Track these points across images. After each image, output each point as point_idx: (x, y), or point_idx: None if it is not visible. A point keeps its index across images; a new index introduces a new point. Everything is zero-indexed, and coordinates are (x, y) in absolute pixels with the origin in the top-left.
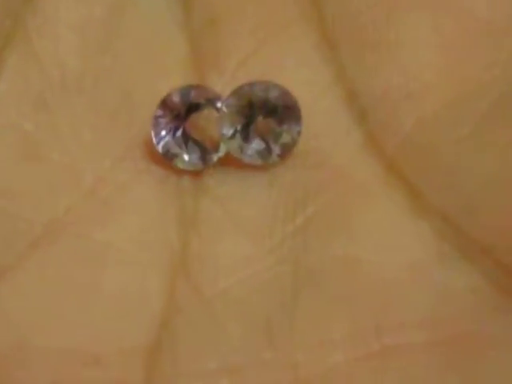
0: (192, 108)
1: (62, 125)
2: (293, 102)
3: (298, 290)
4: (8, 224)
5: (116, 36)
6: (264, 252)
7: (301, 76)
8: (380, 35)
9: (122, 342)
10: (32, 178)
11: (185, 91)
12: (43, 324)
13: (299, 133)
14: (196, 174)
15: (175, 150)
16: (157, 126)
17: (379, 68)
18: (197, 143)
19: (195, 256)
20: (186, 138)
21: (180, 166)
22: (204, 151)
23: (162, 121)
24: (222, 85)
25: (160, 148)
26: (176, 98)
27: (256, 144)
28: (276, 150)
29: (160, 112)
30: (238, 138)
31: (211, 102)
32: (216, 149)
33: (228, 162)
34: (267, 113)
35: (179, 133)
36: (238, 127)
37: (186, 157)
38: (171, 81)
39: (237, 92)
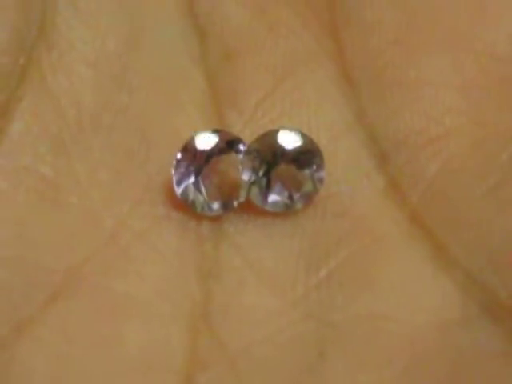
0: (213, 152)
1: (79, 167)
2: (316, 150)
3: (323, 351)
4: (26, 273)
5: (131, 71)
6: (287, 305)
7: (321, 116)
8: (400, 75)
9: None
10: (50, 223)
11: (207, 136)
12: (65, 379)
13: (322, 181)
14: (215, 219)
15: (195, 194)
16: (177, 170)
17: (400, 110)
18: (217, 188)
19: (217, 308)
20: (207, 182)
21: (199, 210)
22: (224, 196)
23: (183, 165)
24: (242, 124)
25: (179, 192)
26: (198, 142)
27: (277, 191)
28: (298, 198)
29: (181, 156)
30: (260, 185)
31: (233, 146)
32: (236, 194)
33: (248, 208)
34: (290, 160)
35: (199, 177)
36: (260, 173)
37: (205, 202)
38: (188, 118)
39: (260, 138)
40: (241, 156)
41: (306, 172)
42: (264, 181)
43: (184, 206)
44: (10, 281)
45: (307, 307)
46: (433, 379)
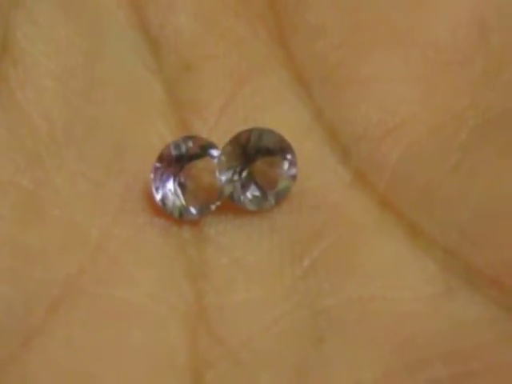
0: (188, 158)
1: (58, 179)
2: (288, 147)
3: (321, 336)
4: (25, 286)
5: (97, 84)
6: (278, 297)
7: (282, 119)
8: (351, 73)
9: None
10: (38, 236)
11: (181, 142)
12: None
13: (294, 177)
14: (195, 223)
15: (173, 200)
16: (155, 179)
17: (355, 106)
18: (194, 193)
19: (211, 307)
20: (184, 188)
21: (179, 216)
22: (202, 201)
23: (160, 172)
24: (207, 131)
25: (159, 200)
26: (173, 150)
27: (253, 190)
28: (272, 195)
29: (158, 165)
30: (236, 186)
31: (207, 151)
32: (213, 197)
33: (226, 209)
34: (263, 158)
35: (176, 184)
36: (236, 174)
37: (183, 207)
38: (155, 128)
39: (234, 140)
40: (215, 160)
41: (280, 169)
42: (240, 181)
43: (164, 212)
44: (9, 294)
45: (297, 297)
46: (429, 348)
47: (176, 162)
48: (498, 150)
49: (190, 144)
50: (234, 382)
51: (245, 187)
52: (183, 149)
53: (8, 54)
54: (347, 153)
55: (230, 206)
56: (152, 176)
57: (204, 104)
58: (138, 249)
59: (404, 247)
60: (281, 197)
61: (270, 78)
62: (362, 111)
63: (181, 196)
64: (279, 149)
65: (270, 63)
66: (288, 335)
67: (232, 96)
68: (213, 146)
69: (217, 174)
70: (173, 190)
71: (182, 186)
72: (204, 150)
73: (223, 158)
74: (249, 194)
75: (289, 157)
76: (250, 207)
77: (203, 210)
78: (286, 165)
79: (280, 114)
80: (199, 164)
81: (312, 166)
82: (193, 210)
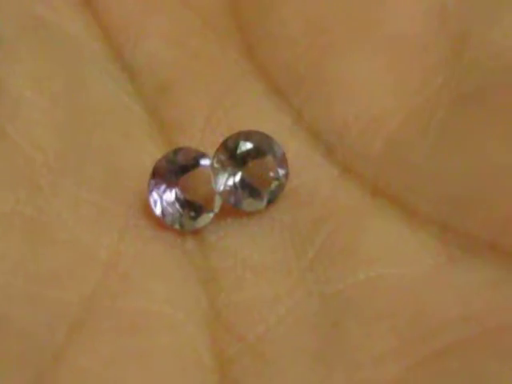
0: (182, 171)
1: (59, 205)
2: (277, 147)
3: (336, 320)
4: (46, 308)
5: (82, 112)
6: (288, 289)
7: (264, 126)
8: (322, 75)
9: None
10: (49, 261)
11: (172, 156)
12: None
13: (287, 175)
14: (197, 233)
15: (173, 213)
16: (152, 195)
17: (331, 105)
18: (192, 203)
19: (226, 308)
20: (181, 200)
21: (180, 228)
22: (200, 210)
23: (156, 188)
24: (195, 146)
25: (159, 215)
26: (166, 164)
27: (248, 192)
28: (266, 195)
29: (153, 181)
30: (232, 190)
31: (198, 161)
32: (211, 205)
33: (223, 215)
34: (254, 160)
35: (174, 197)
36: (230, 180)
37: (183, 219)
38: (144, 148)
39: (223, 146)
40: (208, 168)
41: (271, 168)
42: (234, 185)
43: (166, 226)
44: (30, 317)
45: (307, 286)
46: (439, 315)
47: (170, 175)
48: (476, 121)
49: (181, 156)
50: (257, 373)
51: (240, 190)
52: (175, 161)
53: None
54: (332, 149)
55: (228, 210)
56: (149, 191)
57: (187, 121)
58: (147, 262)
59: (401, 226)
60: (275, 195)
61: (246, 90)
62: (339, 109)
63: (179, 208)
64: (268, 147)
65: (243, 78)
66: (303, 323)
67: (213, 110)
68: (203, 155)
69: (212, 182)
70: (171, 203)
71: (179, 198)
72: (196, 160)
73: (216, 165)
74: (245, 197)
75: (279, 154)
76: (247, 209)
77: (203, 219)
78: (277, 163)
79: (262, 122)
80: (193, 175)
81: (300, 164)
82: (193, 221)
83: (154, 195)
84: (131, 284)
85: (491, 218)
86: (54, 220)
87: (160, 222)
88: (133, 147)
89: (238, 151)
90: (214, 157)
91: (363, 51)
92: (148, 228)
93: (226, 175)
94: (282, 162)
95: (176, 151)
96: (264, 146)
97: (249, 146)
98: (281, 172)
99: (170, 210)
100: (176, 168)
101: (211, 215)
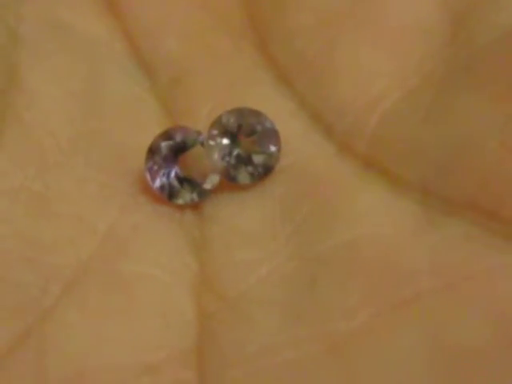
0: (178, 149)
1: (66, 183)
2: (269, 123)
3: (313, 278)
4: (40, 271)
5: (96, 104)
6: (272, 253)
7: (269, 110)
8: (327, 63)
9: (170, 349)
10: (50, 231)
11: (167, 135)
12: (95, 349)
13: (279, 150)
14: (195, 206)
15: (173, 190)
16: (151, 173)
17: (333, 88)
18: (190, 180)
19: (213, 272)
20: (180, 177)
21: (180, 203)
22: (198, 185)
23: (155, 167)
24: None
25: (159, 191)
26: (161, 143)
27: (244, 167)
28: (260, 169)
29: (150, 160)
30: (227, 165)
31: (194, 138)
32: (207, 180)
33: (220, 188)
34: (247, 136)
35: (173, 174)
36: (226, 156)
37: (183, 194)
38: (152, 134)
39: (216, 123)
40: (205, 145)
41: (264, 144)
42: (231, 160)
43: (166, 201)
44: (25, 278)
45: (290, 250)
46: (419, 265)
47: (167, 154)
48: (462, 89)
49: (176, 134)
50: (233, 325)
51: (234, 165)
52: (171, 140)
53: (14, 84)
54: (331, 129)
55: (224, 185)
56: (146, 172)
57: (195, 109)
58: (143, 233)
59: (386, 193)
60: (269, 169)
61: (255, 81)
62: (339, 91)
63: (179, 185)
64: (259, 123)
65: (254, 70)
66: (282, 282)
67: (220, 99)
68: (199, 133)
69: (206, 158)
70: (171, 179)
71: (178, 176)
72: (193, 138)
73: (210, 142)
74: (239, 171)
75: (270, 130)
76: (242, 183)
77: (201, 194)
78: (268, 138)
79: (268, 107)
80: (190, 153)
81: (298, 143)
82: (191, 196)
83: (152, 175)
84: (127, 250)
85: (469, 179)
86: (58, 195)
87: (160, 199)
88: (142, 132)
89: (231, 127)
90: (207, 134)
91: (367, 40)
92: (148, 203)
93: (221, 151)
94: (274, 137)
95: (172, 130)
96: (255, 122)
97: (240, 121)
98: (272, 148)
99: (169, 187)
100: (173, 147)
101: (209, 190)
